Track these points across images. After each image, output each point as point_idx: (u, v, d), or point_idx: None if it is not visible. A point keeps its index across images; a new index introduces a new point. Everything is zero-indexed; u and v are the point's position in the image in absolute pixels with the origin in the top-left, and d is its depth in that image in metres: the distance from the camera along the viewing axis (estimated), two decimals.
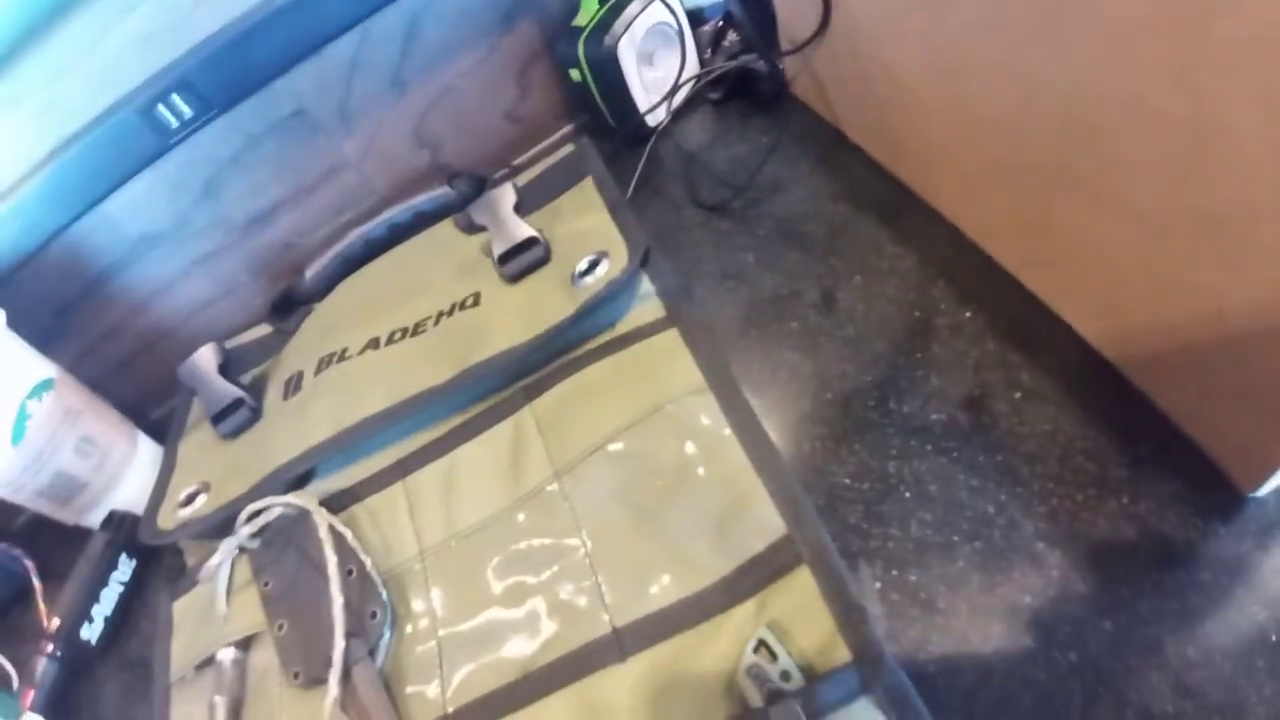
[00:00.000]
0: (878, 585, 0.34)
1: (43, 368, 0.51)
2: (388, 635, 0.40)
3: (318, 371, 0.51)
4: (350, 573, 0.42)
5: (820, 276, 0.45)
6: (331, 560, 0.42)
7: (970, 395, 0.38)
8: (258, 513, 0.46)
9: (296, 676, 0.41)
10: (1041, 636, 0.31)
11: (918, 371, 0.40)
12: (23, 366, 0.50)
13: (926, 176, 0.45)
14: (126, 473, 0.54)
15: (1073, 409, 0.36)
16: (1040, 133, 0.35)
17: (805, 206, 0.49)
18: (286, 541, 0.45)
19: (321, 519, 0.44)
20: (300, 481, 0.49)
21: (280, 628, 0.43)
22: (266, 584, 0.44)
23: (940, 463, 0.36)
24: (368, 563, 0.42)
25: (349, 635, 0.40)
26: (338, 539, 0.43)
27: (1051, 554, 0.33)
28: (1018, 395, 0.38)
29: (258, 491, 0.47)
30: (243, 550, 0.47)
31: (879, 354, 0.41)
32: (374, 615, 0.41)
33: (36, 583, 0.53)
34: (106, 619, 0.50)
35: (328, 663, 0.39)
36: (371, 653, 0.40)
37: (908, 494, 0.36)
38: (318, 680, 0.39)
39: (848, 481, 0.37)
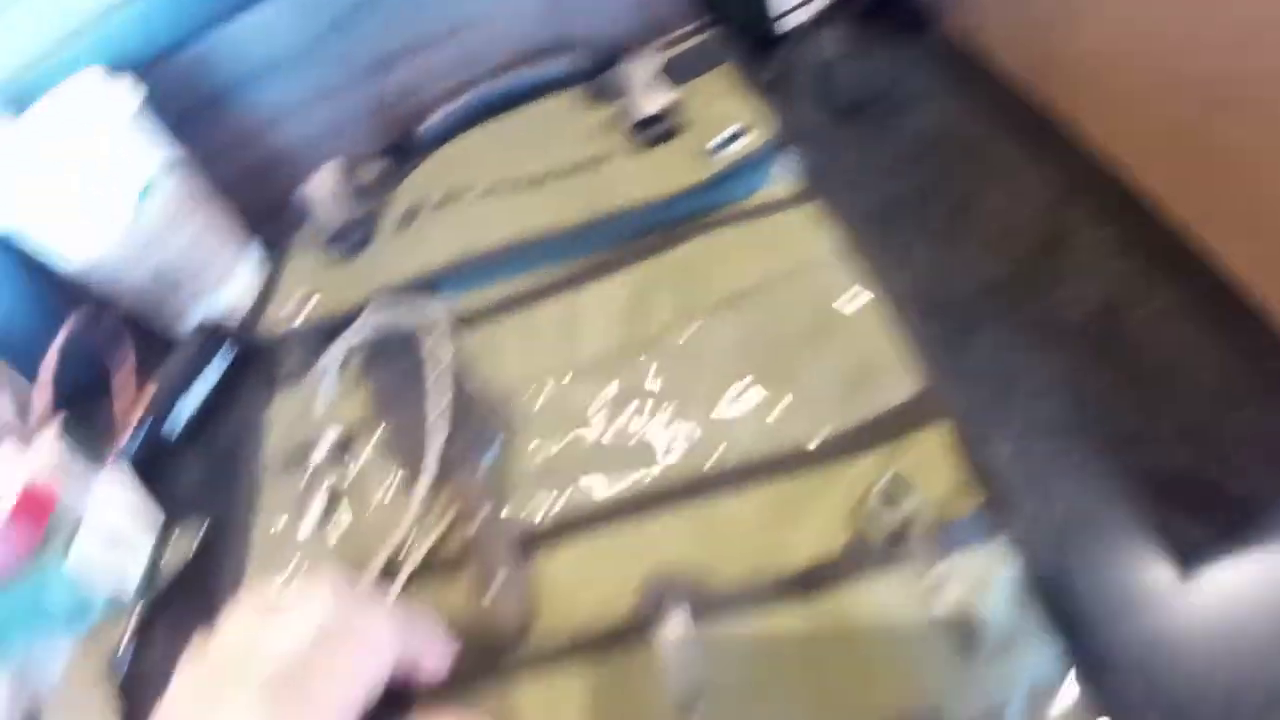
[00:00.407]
0: (1004, 453, 0.35)
1: (168, 153, 0.52)
2: (496, 450, 0.41)
3: (438, 207, 0.52)
4: (462, 389, 0.43)
5: (955, 184, 0.46)
6: (439, 367, 0.42)
7: (1103, 304, 0.39)
8: (368, 322, 0.46)
9: (394, 479, 0.42)
10: (1160, 520, 0.32)
11: (1051, 277, 0.40)
12: (149, 148, 0.51)
13: (1078, 96, 0.45)
14: (234, 277, 0.55)
15: (1207, 326, 0.37)
16: (1221, 41, 0.35)
17: (943, 120, 0.50)
18: (397, 352, 0.45)
19: (434, 329, 0.44)
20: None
21: (383, 428, 0.43)
22: (372, 389, 0.45)
23: (1069, 358, 0.37)
24: (479, 381, 0.43)
25: (453, 443, 0.41)
26: (449, 355, 0.44)
27: (1176, 449, 0.34)
28: (1151, 310, 0.38)
29: (370, 303, 0.48)
30: (346, 362, 0.47)
31: (1013, 257, 0.41)
32: (482, 431, 0.41)
33: (127, 352, 0.53)
34: (193, 413, 0.51)
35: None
36: (477, 467, 0.40)
37: (1038, 381, 0.37)
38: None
39: (978, 362, 0.38)
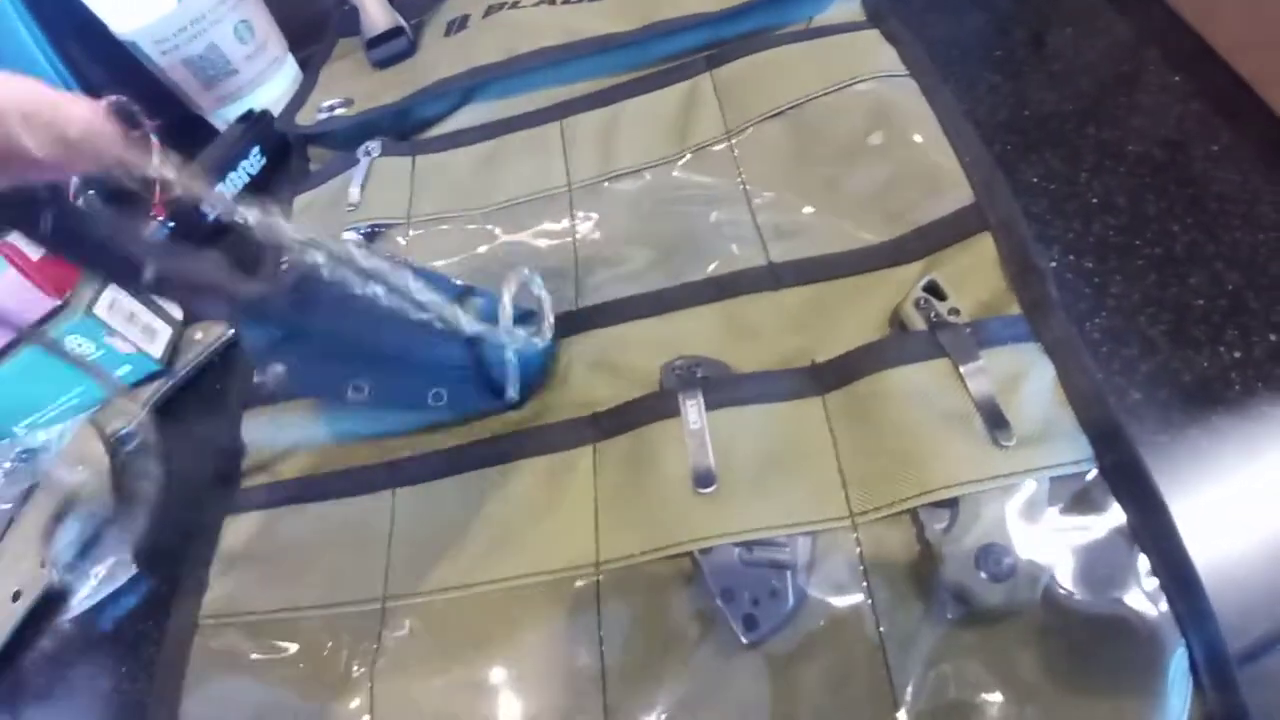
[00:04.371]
0: (1053, 264, 0.34)
1: None
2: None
3: (486, 15, 0.51)
4: None
5: (1030, 21, 0.44)
6: None
7: (1168, 138, 0.38)
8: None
9: None
10: (1209, 334, 0.32)
11: (1119, 111, 0.39)
12: None
13: None
14: (273, 78, 0.53)
15: (1264, 169, 0.36)
16: None
17: None
18: None
19: None
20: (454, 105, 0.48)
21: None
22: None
23: (1130, 182, 0.36)
24: None
25: None
26: None
27: (1228, 273, 0.33)
28: (1214, 148, 0.37)
29: (408, 103, 0.47)
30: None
31: (1081, 90, 0.40)
32: None
33: (155, 141, 0.52)
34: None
35: None
36: None
37: (1094, 200, 0.36)
38: None
39: (1035, 180, 0.37)
